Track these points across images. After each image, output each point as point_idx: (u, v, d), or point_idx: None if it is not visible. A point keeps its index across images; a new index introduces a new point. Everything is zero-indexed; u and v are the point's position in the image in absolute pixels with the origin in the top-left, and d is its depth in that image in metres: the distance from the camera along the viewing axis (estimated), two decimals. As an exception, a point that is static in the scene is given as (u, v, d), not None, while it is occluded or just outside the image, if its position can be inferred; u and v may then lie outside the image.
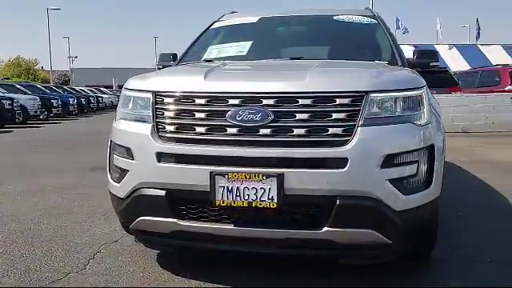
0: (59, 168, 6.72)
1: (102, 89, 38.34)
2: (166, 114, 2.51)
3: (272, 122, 2.33)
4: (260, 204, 2.29)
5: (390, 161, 2.33)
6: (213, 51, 3.83)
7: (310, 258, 2.77)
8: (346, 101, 2.36)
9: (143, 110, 2.60)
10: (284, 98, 2.37)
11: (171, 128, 2.47)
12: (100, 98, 31.25)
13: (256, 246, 2.48)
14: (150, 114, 2.54)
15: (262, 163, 2.31)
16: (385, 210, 2.32)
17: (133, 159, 2.54)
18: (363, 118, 2.33)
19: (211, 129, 2.41)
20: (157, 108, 2.54)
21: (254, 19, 4.11)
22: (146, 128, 2.51)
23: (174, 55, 4.10)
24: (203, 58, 3.73)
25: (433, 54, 3.77)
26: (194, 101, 2.48)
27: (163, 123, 2.50)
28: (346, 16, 4.05)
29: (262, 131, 2.34)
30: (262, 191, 2.28)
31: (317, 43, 3.95)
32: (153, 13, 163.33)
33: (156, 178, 2.46)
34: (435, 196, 2.54)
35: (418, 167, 2.43)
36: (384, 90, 2.42)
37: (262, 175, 2.27)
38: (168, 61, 4.05)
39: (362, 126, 2.32)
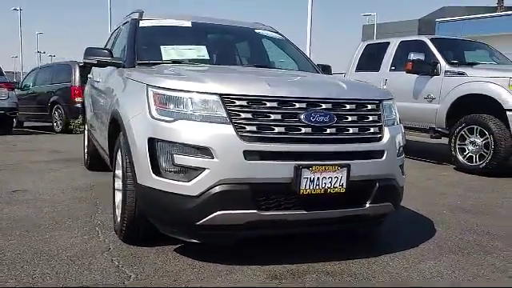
0: None
1: None
2: (243, 115, 2.72)
3: (335, 122, 2.88)
4: (333, 190, 2.81)
5: (400, 151, 3.19)
6: (170, 52, 3.91)
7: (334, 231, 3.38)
8: (374, 106, 3.10)
9: (211, 111, 2.72)
10: (337, 103, 2.94)
11: (252, 128, 2.71)
12: None
13: (319, 225, 2.97)
14: (225, 115, 2.70)
15: (335, 156, 2.83)
16: (398, 187, 3.17)
17: (213, 158, 2.65)
18: (385, 120, 3.12)
19: (287, 128, 2.78)
20: (230, 110, 2.72)
21: (187, 23, 4.30)
22: (227, 128, 2.67)
23: (110, 51, 3.96)
24: (167, 58, 3.79)
25: (330, 68, 4.78)
26: (266, 104, 2.78)
27: (241, 124, 2.70)
28: (263, 30, 4.68)
29: (329, 130, 2.86)
30: (335, 180, 2.80)
31: (257, 53, 4.45)
32: None
33: (242, 174, 2.67)
34: None
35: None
36: (387, 99, 3.26)
37: (338, 166, 2.80)
38: (105, 56, 3.89)
39: (386, 125, 3.11)
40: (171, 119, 2.76)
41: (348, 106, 2.98)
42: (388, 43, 8.77)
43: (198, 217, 2.71)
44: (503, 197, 5.32)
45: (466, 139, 6.83)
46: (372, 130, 3.03)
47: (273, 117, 2.77)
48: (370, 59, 9.03)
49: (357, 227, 3.31)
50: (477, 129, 6.68)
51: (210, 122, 2.71)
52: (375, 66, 8.71)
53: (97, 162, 5.77)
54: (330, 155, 2.83)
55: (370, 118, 3.05)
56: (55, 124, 12.19)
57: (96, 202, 4.38)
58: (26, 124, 14.05)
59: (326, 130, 2.86)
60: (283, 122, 2.78)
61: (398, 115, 3.38)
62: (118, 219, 3.28)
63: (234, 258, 3.00)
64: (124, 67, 3.75)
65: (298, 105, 2.83)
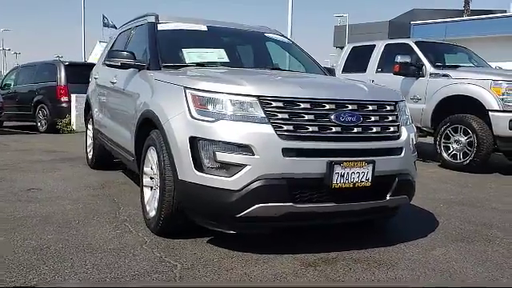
0: None
1: None
2: (280, 115, 2.95)
3: (361, 122, 3.14)
4: (360, 184, 3.07)
5: (413, 148, 3.49)
6: (191, 55, 4.10)
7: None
8: (392, 107, 3.38)
9: (250, 111, 2.94)
10: (362, 104, 3.21)
11: (289, 127, 2.95)
12: None
13: (346, 217, 3.24)
14: (263, 116, 2.93)
15: (362, 153, 3.10)
16: (412, 181, 3.46)
17: (253, 155, 2.87)
18: (401, 119, 3.41)
19: (320, 127, 3.02)
20: (267, 110, 2.95)
21: (204, 27, 4.49)
22: (267, 128, 2.90)
23: (133, 53, 4.10)
24: (190, 61, 3.98)
25: (334, 71, 5.06)
26: (300, 105, 3.02)
27: (278, 123, 2.94)
28: (272, 34, 4.92)
29: (356, 129, 3.13)
30: (362, 174, 3.07)
31: (270, 56, 4.68)
32: None
33: (280, 170, 2.90)
34: None
35: (415, 152, 3.67)
36: (401, 100, 3.55)
37: (365, 162, 3.06)
38: (128, 58, 4.04)
39: (403, 125, 3.39)
40: (212, 119, 2.96)
41: (371, 107, 3.25)
42: (374, 45, 9.11)
43: (238, 209, 2.93)
44: (489, 191, 5.73)
45: (450, 138, 7.23)
46: (392, 128, 3.31)
47: (307, 117, 3.02)
48: (357, 61, 9.36)
49: (377, 218, 3.60)
50: (461, 128, 7.09)
51: (250, 121, 2.93)
52: (362, 68, 9.04)
53: (102, 162, 5.90)
54: (357, 152, 3.09)
55: (390, 118, 3.33)
56: (39, 124, 12.08)
57: (114, 199, 4.52)
58: (5, 124, 13.84)
59: (353, 129, 3.12)
60: (316, 121, 3.03)
61: (409, 115, 3.67)
62: (151, 214, 3.45)
63: (265, 247, 3.22)
64: (148, 69, 3.92)
65: (328, 106, 3.09)
